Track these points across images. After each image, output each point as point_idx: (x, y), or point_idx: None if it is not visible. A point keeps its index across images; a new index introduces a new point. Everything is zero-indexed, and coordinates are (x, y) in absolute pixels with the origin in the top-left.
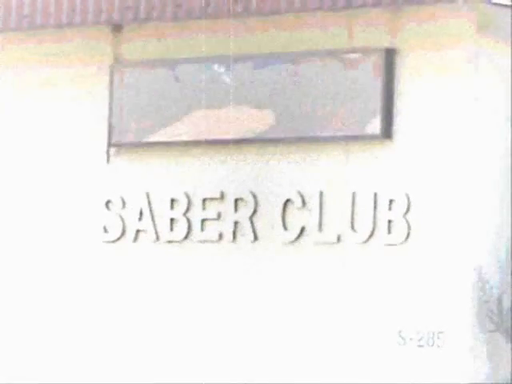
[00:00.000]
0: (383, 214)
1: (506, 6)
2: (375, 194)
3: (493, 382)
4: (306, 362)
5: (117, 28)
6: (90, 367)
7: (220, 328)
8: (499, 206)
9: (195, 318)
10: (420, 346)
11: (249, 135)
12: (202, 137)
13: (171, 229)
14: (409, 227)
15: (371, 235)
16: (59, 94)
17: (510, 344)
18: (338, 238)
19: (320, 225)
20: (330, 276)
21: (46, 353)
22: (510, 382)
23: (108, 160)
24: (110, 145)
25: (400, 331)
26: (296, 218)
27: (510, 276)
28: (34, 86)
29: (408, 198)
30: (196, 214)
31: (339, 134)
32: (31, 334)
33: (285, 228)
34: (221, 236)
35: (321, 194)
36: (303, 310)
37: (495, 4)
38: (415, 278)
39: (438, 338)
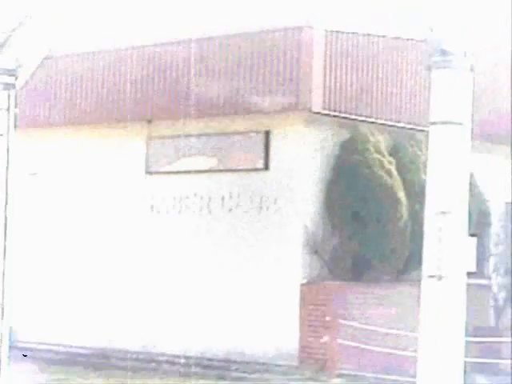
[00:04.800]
0: (265, 204)
1: (320, 113)
2: (261, 197)
3: (309, 278)
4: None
5: (149, 121)
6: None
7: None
8: (318, 201)
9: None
10: None
11: (206, 168)
12: (189, 168)
13: (180, 210)
14: (278, 207)
15: (259, 211)
16: (121, 153)
17: (320, 264)
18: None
19: (236, 207)
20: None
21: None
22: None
23: (145, 178)
24: (147, 172)
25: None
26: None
27: (322, 231)
28: (106, 149)
29: (275, 198)
30: (192, 203)
31: (245, 167)
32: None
33: (222, 207)
34: (201, 209)
35: (238, 194)
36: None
37: (315, 112)
38: (277, 231)
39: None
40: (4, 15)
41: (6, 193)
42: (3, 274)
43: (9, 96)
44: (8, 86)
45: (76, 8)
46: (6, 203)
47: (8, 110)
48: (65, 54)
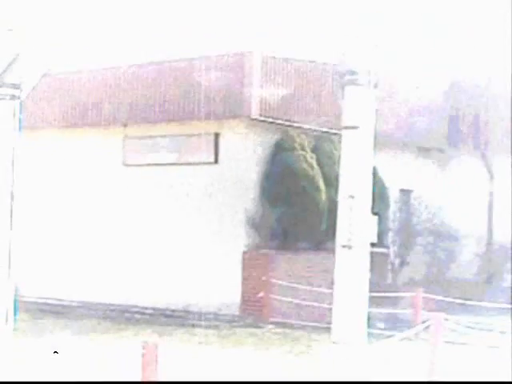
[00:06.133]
0: (215, 191)
1: (257, 120)
2: (212, 185)
3: (249, 247)
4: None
5: (125, 124)
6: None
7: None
8: (257, 188)
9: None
10: None
11: (169, 162)
12: (156, 162)
13: (148, 194)
14: (225, 193)
15: (210, 196)
16: (104, 149)
17: (258, 237)
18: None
19: (192, 192)
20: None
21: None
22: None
23: (123, 169)
24: (123, 164)
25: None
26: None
27: (260, 211)
28: (92, 146)
29: (223, 186)
30: (158, 189)
31: (199, 162)
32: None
33: (181, 193)
34: (165, 194)
35: (194, 183)
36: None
37: (254, 119)
38: (224, 211)
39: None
40: (10, 40)
41: (13, 181)
42: (10, 242)
43: (15, 105)
44: (14, 97)
45: (67, 36)
46: (12, 188)
47: (14, 115)
48: (60, 72)
